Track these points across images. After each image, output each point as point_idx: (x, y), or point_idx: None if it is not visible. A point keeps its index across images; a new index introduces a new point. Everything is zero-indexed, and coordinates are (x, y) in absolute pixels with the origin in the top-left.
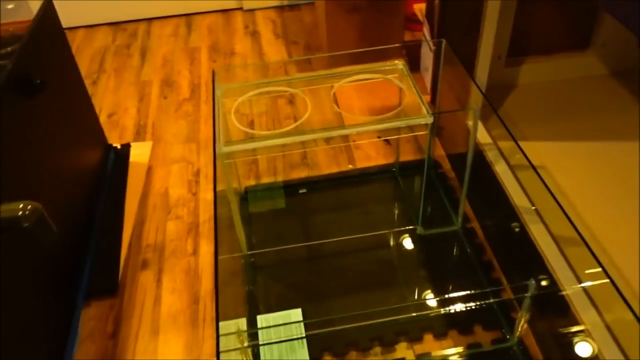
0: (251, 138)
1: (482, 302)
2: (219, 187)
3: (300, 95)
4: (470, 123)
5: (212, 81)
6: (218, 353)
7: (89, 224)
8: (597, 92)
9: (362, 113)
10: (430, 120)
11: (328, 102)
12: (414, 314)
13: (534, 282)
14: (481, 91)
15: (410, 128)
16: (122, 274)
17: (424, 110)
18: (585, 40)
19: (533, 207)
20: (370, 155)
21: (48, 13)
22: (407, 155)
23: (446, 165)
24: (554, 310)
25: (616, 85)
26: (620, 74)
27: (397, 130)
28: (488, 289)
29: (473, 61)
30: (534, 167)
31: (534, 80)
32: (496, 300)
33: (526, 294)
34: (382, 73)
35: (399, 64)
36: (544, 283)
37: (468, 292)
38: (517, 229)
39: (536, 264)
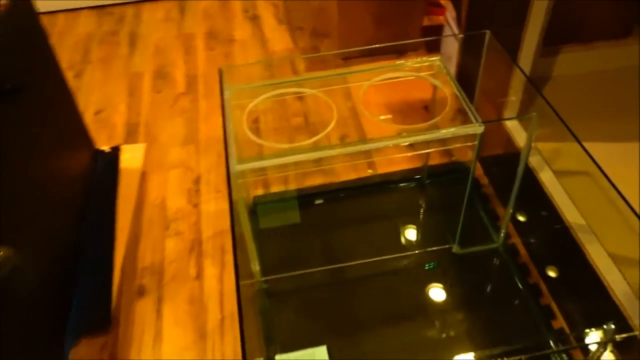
0: (266, 155)
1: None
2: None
3: (323, 99)
4: (507, 123)
5: (219, 82)
6: None
7: (75, 245)
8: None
9: (381, 111)
10: (480, 129)
11: (344, 102)
12: None
13: (612, 326)
14: (538, 91)
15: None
16: (115, 304)
17: (472, 118)
18: (627, 27)
19: (586, 223)
20: (392, 157)
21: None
22: (433, 158)
23: (478, 169)
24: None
25: None
26: None
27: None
28: (552, 348)
29: (513, 52)
30: (607, 178)
31: (570, 71)
32: (561, 349)
33: (600, 340)
34: (415, 71)
35: (436, 60)
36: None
37: (525, 345)
38: (567, 246)
39: (593, 288)
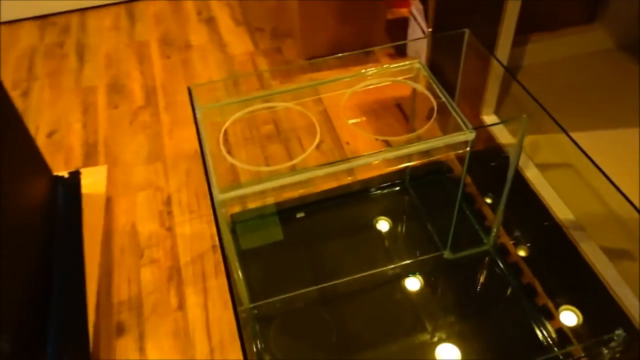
0: (246, 182)
1: None
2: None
3: (302, 112)
4: (485, 119)
5: (190, 102)
6: None
7: (42, 285)
8: (609, 69)
9: (353, 113)
10: (472, 136)
11: (316, 107)
12: None
13: (622, 332)
14: (527, 91)
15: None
16: (93, 346)
17: (462, 125)
18: (591, 13)
19: (574, 217)
20: (369, 160)
21: None
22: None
23: (457, 167)
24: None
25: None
26: (628, 48)
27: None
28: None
29: (490, 47)
30: (602, 171)
31: (539, 60)
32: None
33: (610, 346)
34: (394, 75)
35: (415, 62)
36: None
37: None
38: (558, 242)
39: (589, 283)
